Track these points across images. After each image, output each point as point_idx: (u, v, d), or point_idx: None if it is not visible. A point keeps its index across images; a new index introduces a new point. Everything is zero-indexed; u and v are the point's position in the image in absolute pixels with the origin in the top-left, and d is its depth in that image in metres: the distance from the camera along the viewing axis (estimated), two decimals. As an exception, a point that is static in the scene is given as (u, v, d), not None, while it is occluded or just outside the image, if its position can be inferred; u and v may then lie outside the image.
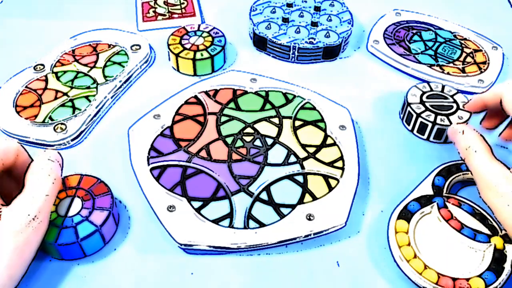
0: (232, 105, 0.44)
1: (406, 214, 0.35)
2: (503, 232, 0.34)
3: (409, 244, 0.33)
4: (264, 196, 0.37)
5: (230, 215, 0.35)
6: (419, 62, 0.49)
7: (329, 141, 0.41)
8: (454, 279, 0.31)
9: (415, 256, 0.33)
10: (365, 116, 0.45)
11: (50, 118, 0.42)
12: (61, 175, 0.33)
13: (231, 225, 0.35)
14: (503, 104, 0.37)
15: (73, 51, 0.49)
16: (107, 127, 0.44)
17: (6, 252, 0.27)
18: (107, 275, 0.33)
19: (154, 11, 0.57)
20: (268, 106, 0.44)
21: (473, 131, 0.36)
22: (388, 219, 0.35)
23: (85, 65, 0.48)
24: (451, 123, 0.41)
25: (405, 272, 0.32)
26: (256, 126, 0.42)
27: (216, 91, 0.45)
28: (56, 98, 0.44)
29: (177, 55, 0.48)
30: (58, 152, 0.34)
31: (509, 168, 0.32)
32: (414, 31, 0.53)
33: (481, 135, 0.35)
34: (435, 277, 0.31)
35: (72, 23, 0.54)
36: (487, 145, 0.34)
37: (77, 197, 0.34)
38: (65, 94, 0.45)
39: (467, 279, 0.31)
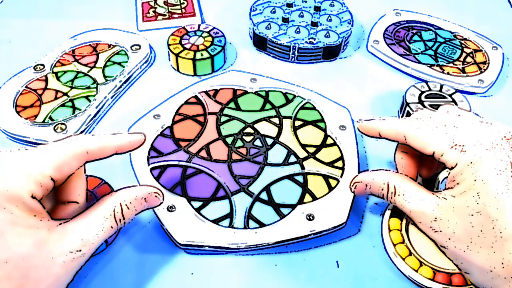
0: (232, 105, 0.44)
1: (399, 212, 0.35)
2: None
3: (403, 242, 0.33)
4: (264, 196, 0.37)
5: (230, 215, 0.35)
6: (419, 62, 0.49)
7: (329, 141, 0.41)
8: (450, 274, 0.31)
9: (410, 254, 0.33)
10: (365, 116, 0.45)
11: (50, 118, 0.42)
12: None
13: (231, 225, 0.35)
14: (408, 142, 0.32)
15: (73, 51, 0.49)
16: (107, 127, 0.44)
17: (45, 282, 0.26)
18: (107, 275, 0.33)
19: (154, 11, 0.57)
20: (268, 106, 0.44)
21: (376, 173, 0.33)
22: (381, 217, 0.35)
23: (85, 65, 0.48)
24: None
25: (401, 270, 0.32)
26: (256, 126, 0.42)
27: (216, 91, 0.45)
28: (56, 98, 0.44)
29: (177, 55, 0.48)
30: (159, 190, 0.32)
31: (439, 190, 0.30)
32: (414, 31, 0.53)
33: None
34: (431, 273, 0.32)
35: (72, 23, 0.54)
36: (404, 176, 0.32)
37: None
38: (65, 94, 0.45)
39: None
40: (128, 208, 0.30)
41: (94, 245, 0.27)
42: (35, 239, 0.25)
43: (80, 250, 0.27)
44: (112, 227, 0.29)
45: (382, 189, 0.32)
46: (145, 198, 0.31)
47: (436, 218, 0.29)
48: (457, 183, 0.28)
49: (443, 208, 0.29)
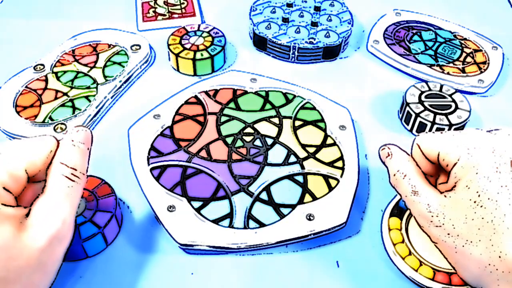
0: (232, 105, 0.44)
1: (398, 211, 0.35)
2: None
3: (403, 241, 0.33)
4: (264, 196, 0.37)
5: (230, 215, 0.35)
6: (419, 62, 0.49)
7: (329, 141, 0.41)
8: (450, 274, 0.31)
9: (410, 253, 0.33)
10: (365, 116, 0.45)
11: (50, 118, 0.42)
12: (88, 160, 0.30)
13: (231, 225, 0.35)
14: (417, 142, 0.32)
15: (73, 51, 0.49)
16: (107, 127, 0.44)
17: (29, 271, 0.25)
18: (107, 275, 0.33)
19: (154, 11, 0.57)
20: (268, 106, 0.44)
21: (401, 154, 0.32)
22: (381, 217, 0.35)
23: (85, 65, 0.48)
24: (450, 122, 0.41)
25: (401, 270, 0.32)
26: (256, 126, 0.42)
27: (216, 91, 0.45)
28: (56, 98, 0.44)
29: (177, 55, 0.48)
30: (88, 129, 0.31)
31: (442, 193, 0.30)
32: (414, 31, 0.53)
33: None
34: (431, 273, 0.32)
35: (72, 23, 0.54)
36: (418, 169, 0.31)
37: (81, 198, 0.34)
38: (65, 94, 0.45)
39: None
40: (81, 165, 0.29)
41: (69, 219, 0.27)
42: (10, 229, 0.25)
43: (57, 230, 0.26)
44: (71, 186, 0.28)
45: (395, 174, 0.32)
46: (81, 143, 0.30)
47: (438, 213, 0.29)
48: (459, 179, 0.29)
49: (446, 203, 0.29)
